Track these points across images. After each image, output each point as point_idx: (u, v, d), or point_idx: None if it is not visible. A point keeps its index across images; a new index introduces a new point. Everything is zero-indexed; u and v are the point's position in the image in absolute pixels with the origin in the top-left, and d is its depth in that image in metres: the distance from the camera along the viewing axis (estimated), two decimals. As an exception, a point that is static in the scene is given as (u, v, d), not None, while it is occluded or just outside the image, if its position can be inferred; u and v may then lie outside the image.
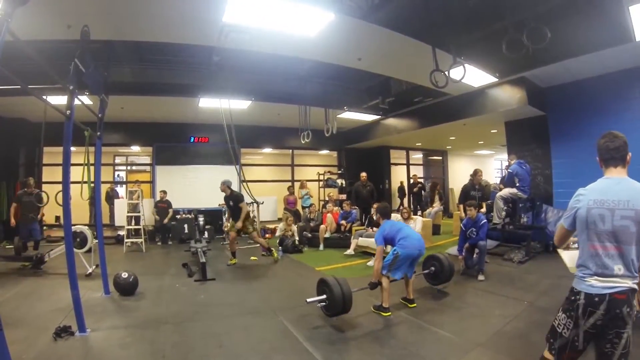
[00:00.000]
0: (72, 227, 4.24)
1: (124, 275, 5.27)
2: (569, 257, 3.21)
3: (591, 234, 2.03)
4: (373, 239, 7.66)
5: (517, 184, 7.40)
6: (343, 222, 9.24)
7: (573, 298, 2.07)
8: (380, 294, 4.51)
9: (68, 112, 3.70)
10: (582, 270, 2.07)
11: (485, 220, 6.31)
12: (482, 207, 7.58)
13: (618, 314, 1.92)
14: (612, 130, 2.14)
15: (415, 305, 4.70)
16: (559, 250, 3.57)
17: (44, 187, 9.23)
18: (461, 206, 7.92)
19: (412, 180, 14.23)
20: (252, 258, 7.86)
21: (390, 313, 4.39)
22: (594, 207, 2.02)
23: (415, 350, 3.57)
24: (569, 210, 2.16)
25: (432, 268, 5.32)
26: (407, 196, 14.69)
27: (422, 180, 15.07)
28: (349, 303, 4.07)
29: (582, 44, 5.62)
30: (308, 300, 4.20)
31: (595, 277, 1.99)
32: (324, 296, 4.16)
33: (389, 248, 4.66)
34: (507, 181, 7.74)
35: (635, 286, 1.95)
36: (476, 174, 8.03)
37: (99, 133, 5.23)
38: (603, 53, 5.84)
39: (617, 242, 1.96)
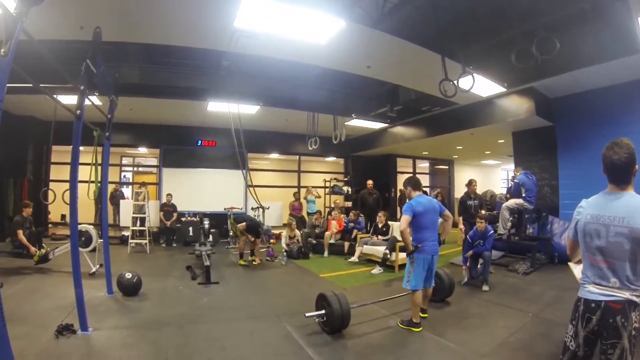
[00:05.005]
0: (78, 226, 4.26)
1: (128, 275, 5.29)
2: (579, 270, 3.23)
3: (587, 246, 2.08)
4: (378, 247, 7.69)
5: (524, 195, 7.34)
6: (347, 243, 9.05)
7: (576, 305, 2.12)
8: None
9: (78, 111, 3.74)
10: (583, 278, 2.12)
11: (493, 231, 6.27)
12: (482, 208, 7.59)
13: (612, 323, 1.92)
14: (619, 139, 2.05)
15: (427, 315, 4.50)
16: (570, 264, 3.53)
17: (51, 185, 9.29)
18: (460, 218, 7.92)
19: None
20: (256, 262, 7.86)
21: (421, 328, 4.16)
22: (590, 221, 2.06)
23: (418, 359, 3.55)
24: (572, 221, 2.21)
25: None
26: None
27: (427, 189, 15.01)
28: (347, 319, 4.05)
29: (591, 54, 5.59)
30: (307, 314, 4.18)
31: (594, 285, 2.03)
32: (323, 311, 4.13)
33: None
34: (513, 191, 7.70)
35: (636, 299, 1.92)
36: (471, 184, 8.03)
37: (107, 133, 5.28)
38: (612, 64, 5.81)
39: (610, 257, 1.97)
